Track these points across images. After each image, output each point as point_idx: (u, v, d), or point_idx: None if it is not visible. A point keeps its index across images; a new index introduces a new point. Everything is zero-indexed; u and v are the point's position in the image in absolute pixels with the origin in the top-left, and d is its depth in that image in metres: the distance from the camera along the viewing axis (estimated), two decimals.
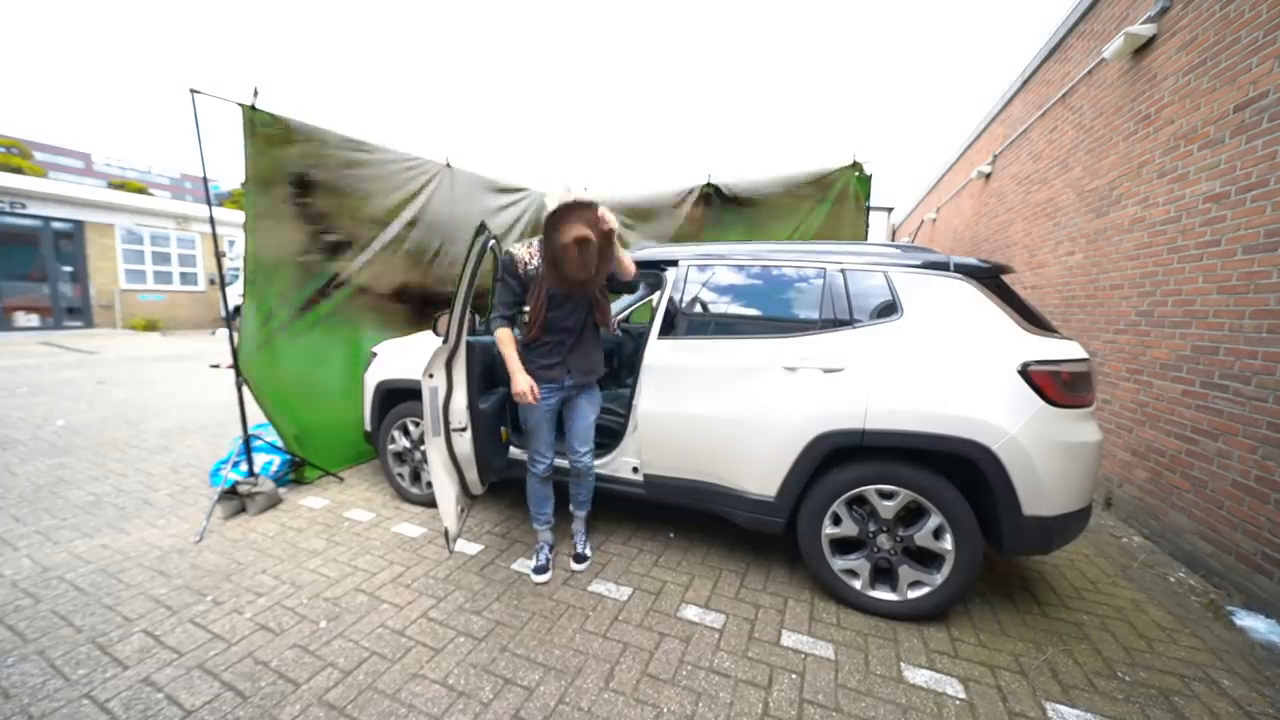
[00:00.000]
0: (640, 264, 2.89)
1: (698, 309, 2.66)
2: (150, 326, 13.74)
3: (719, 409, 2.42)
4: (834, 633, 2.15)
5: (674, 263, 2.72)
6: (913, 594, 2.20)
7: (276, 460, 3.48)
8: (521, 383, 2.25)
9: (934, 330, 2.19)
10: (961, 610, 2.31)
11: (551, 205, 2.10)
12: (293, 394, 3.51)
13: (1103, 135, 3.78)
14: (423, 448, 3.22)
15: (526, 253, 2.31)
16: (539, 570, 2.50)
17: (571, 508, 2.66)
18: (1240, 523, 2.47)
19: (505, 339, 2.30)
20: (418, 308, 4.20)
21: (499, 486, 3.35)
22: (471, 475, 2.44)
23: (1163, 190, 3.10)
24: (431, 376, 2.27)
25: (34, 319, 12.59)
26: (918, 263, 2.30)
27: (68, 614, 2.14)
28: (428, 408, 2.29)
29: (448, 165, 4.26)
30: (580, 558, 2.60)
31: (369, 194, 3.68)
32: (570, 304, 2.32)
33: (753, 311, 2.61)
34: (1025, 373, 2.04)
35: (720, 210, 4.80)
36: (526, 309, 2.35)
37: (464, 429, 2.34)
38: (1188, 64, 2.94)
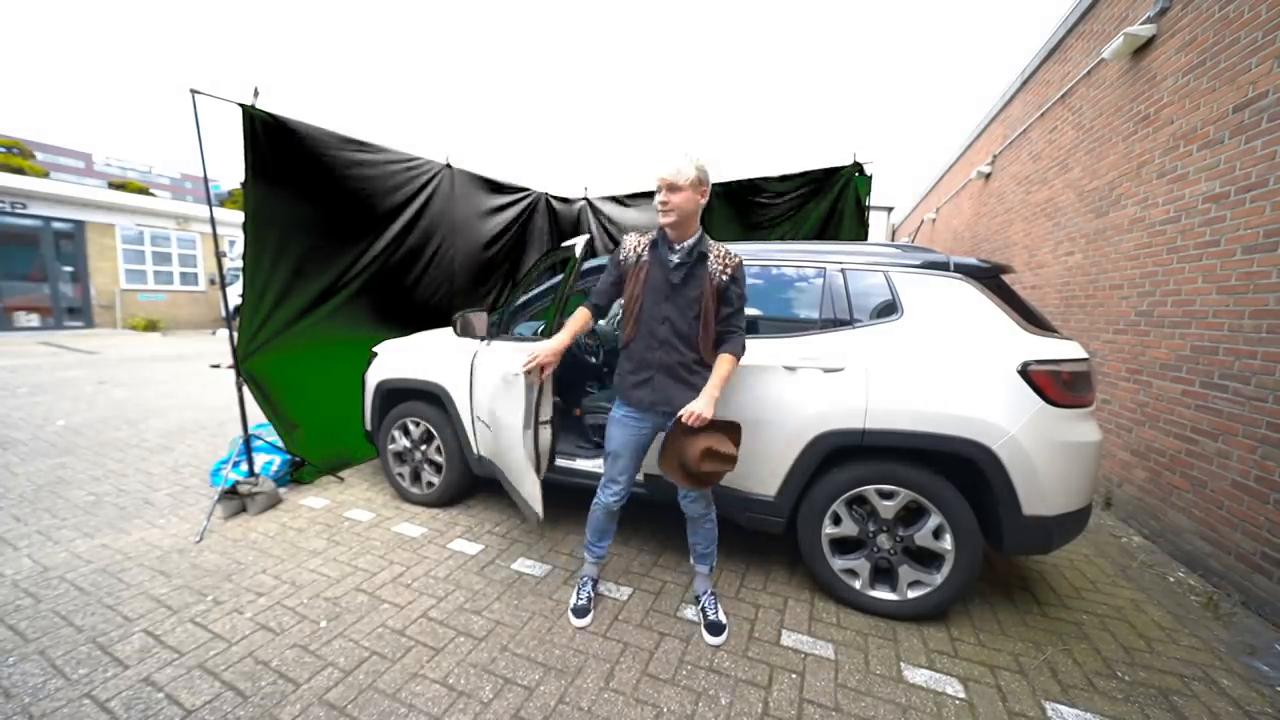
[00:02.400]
0: None
1: None
2: (150, 326, 13.76)
3: (719, 408, 2.41)
4: (834, 632, 2.16)
5: None
6: (912, 594, 2.20)
7: (277, 460, 3.48)
8: (541, 348, 2.04)
9: (934, 330, 2.19)
10: (961, 610, 2.31)
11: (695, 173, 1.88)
12: (293, 394, 3.52)
13: (1102, 135, 3.78)
14: (423, 448, 3.22)
15: (634, 240, 2.08)
16: (579, 612, 2.18)
17: (694, 561, 2.25)
18: (1240, 522, 2.47)
19: (576, 315, 2.13)
20: (419, 308, 4.20)
21: (498, 486, 3.35)
22: (543, 464, 2.47)
23: (1162, 190, 3.10)
24: (529, 373, 2.20)
25: (34, 319, 12.61)
26: (918, 263, 2.30)
27: (68, 614, 2.14)
28: (521, 403, 2.25)
29: (448, 165, 4.26)
30: (717, 627, 2.12)
31: (370, 194, 3.68)
32: (674, 303, 1.97)
33: (753, 311, 2.61)
34: (1025, 372, 2.04)
35: (720, 210, 4.80)
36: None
37: (547, 422, 2.42)
38: (1187, 64, 2.94)
